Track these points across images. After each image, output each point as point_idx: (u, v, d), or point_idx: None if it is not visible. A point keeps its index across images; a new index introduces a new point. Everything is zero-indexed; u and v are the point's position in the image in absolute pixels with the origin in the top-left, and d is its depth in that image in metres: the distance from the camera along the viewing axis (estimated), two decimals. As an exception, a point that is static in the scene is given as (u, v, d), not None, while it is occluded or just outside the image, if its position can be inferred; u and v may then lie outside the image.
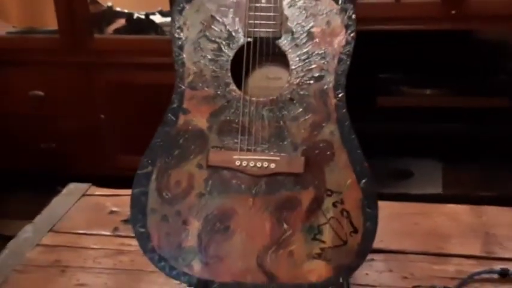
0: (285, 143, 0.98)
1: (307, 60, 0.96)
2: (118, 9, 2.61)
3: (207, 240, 1.01)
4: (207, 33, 0.97)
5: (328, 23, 0.95)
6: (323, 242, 0.99)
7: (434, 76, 2.35)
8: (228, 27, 0.97)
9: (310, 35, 0.95)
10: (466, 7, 2.11)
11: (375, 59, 2.14)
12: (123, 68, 2.38)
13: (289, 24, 0.96)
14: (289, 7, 0.95)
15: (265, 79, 1.01)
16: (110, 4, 2.55)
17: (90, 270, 1.17)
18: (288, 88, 0.97)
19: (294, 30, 0.96)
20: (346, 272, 1.00)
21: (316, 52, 0.96)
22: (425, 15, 2.15)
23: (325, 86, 0.96)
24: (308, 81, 0.96)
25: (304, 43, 0.96)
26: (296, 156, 0.98)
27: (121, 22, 2.56)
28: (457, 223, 1.28)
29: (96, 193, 1.45)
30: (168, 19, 2.47)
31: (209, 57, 0.98)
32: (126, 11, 2.60)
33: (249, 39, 0.96)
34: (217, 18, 0.97)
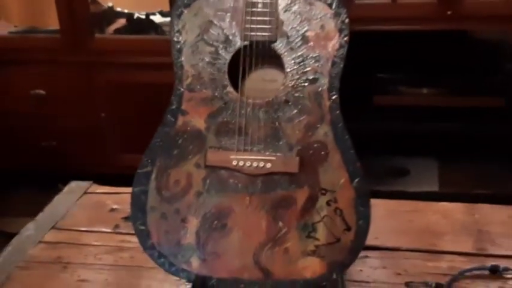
0: (281, 143, 1.00)
1: (301, 63, 0.98)
2: (118, 9, 2.63)
3: (205, 238, 1.03)
4: (205, 37, 0.99)
5: (322, 27, 0.97)
6: (317, 239, 1.01)
7: (430, 76, 2.36)
8: (225, 31, 0.99)
9: (304, 39, 0.97)
10: (462, 8, 2.13)
11: (372, 59, 2.16)
12: (124, 68, 2.39)
13: (284, 28, 0.97)
14: (285, 12, 0.97)
15: (261, 81, 1.03)
16: (110, 4, 2.57)
17: (91, 267, 1.19)
18: (283, 90, 0.99)
19: (289, 34, 0.98)
20: (340, 268, 1.02)
21: (310, 55, 0.97)
22: (422, 15, 2.16)
23: (320, 89, 0.98)
24: (303, 84, 0.98)
25: (299, 46, 0.97)
26: (291, 156, 1.00)
27: (121, 22, 2.57)
28: (450, 221, 1.29)
29: (97, 191, 1.47)
30: (168, 19, 2.49)
31: (207, 60, 1.00)
32: (126, 11, 2.61)
33: (246, 43, 0.98)
34: (215, 22, 0.99)
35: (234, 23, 0.98)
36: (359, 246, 1.01)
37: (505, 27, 2.21)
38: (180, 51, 1.00)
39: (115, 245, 1.26)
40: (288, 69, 0.98)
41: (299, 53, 0.98)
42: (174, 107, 1.01)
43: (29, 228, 1.33)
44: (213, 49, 0.99)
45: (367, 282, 1.12)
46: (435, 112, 2.36)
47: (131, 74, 2.39)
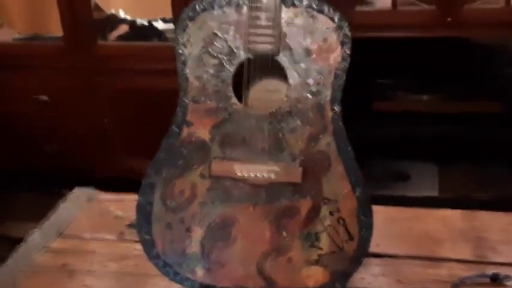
0: (284, 154, 1.01)
1: (304, 76, 0.99)
2: (121, 15, 2.64)
3: (209, 247, 1.04)
4: (209, 50, 1.00)
5: (324, 40, 0.98)
6: (320, 248, 1.02)
7: (430, 82, 2.37)
8: (229, 43, 1.00)
9: (307, 52, 0.98)
10: (461, 14, 2.13)
11: (372, 66, 2.17)
12: (126, 74, 2.40)
13: (287, 41, 0.98)
14: (288, 25, 0.98)
15: (265, 91, 1.04)
16: (113, 11, 2.58)
17: (96, 274, 1.20)
18: (286, 102, 1.00)
19: (292, 46, 0.98)
20: (342, 277, 1.04)
21: (313, 68, 0.98)
22: (422, 22, 2.17)
23: (322, 100, 0.99)
24: (306, 96, 0.99)
25: (302, 59, 0.98)
26: (294, 167, 1.01)
27: (124, 28, 2.58)
28: (450, 228, 1.30)
29: (101, 198, 1.48)
30: (170, 25, 2.50)
31: (211, 72, 1.01)
32: (129, 18, 2.63)
33: (249, 55, 0.99)
34: (219, 35, 1.00)
35: (238, 35, 0.99)
36: (362, 255, 1.03)
37: (505, 34, 2.22)
38: (184, 63, 1.01)
39: (120, 252, 1.27)
40: (291, 81, 0.99)
41: (302, 66, 0.99)
42: (178, 118, 1.03)
43: (35, 235, 1.33)
44: (217, 61, 1.00)
45: (369, 289, 1.13)
46: (435, 117, 2.37)
47: (134, 79, 2.40)
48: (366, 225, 1.01)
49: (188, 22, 1.01)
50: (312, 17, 0.98)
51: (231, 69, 1.00)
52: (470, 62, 2.33)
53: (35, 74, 2.49)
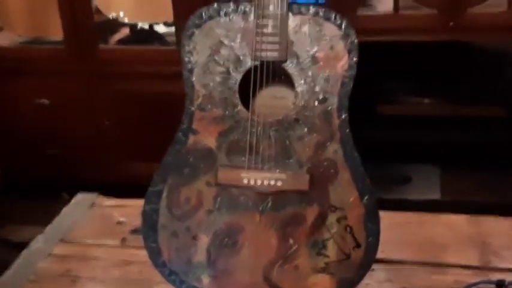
0: (291, 161, 1.01)
1: (311, 83, 0.99)
2: (124, 19, 2.63)
3: (216, 255, 1.04)
4: (216, 57, 1.00)
5: (331, 47, 0.98)
6: (327, 256, 1.02)
7: (432, 85, 2.38)
8: (235, 51, 1.00)
9: (314, 59, 0.98)
10: (464, 19, 2.14)
11: (375, 69, 2.17)
12: (127, 77, 2.41)
13: (294, 48, 0.98)
14: (295, 33, 0.98)
15: (272, 98, 1.03)
16: (114, 15, 2.57)
17: (100, 280, 1.19)
18: (293, 109, 1.00)
19: (299, 54, 0.98)
20: (349, 284, 1.03)
21: (320, 75, 0.98)
22: (424, 26, 2.18)
23: (329, 108, 0.99)
24: (313, 103, 0.99)
25: (309, 67, 0.98)
26: (301, 174, 1.00)
27: (125, 32, 2.58)
28: (454, 233, 1.29)
29: (104, 203, 1.47)
30: (171, 29, 2.50)
31: (218, 80, 1.01)
32: (130, 21, 2.62)
33: (256, 63, 0.99)
34: (226, 42, 1.00)
35: (244, 43, 0.99)
36: (369, 262, 1.02)
37: (506, 38, 2.23)
38: (191, 71, 1.01)
39: (123, 258, 1.26)
40: (298, 89, 0.99)
41: (309, 73, 0.98)
42: (185, 126, 1.02)
43: (38, 241, 1.33)
44: (223, 69, 1.00)
45: (375, 296, 1.13)
46: (437, 121, 2.38)
47: (135, 83, 2.40)
48: (373, 233, 1.01)
49: (195, 30, 1.01)
50: (319, 24, 0.98)
51: (237, 77, 1.00)
52: (473, 66, 2.33)
53: (35, 78, 2.50)
